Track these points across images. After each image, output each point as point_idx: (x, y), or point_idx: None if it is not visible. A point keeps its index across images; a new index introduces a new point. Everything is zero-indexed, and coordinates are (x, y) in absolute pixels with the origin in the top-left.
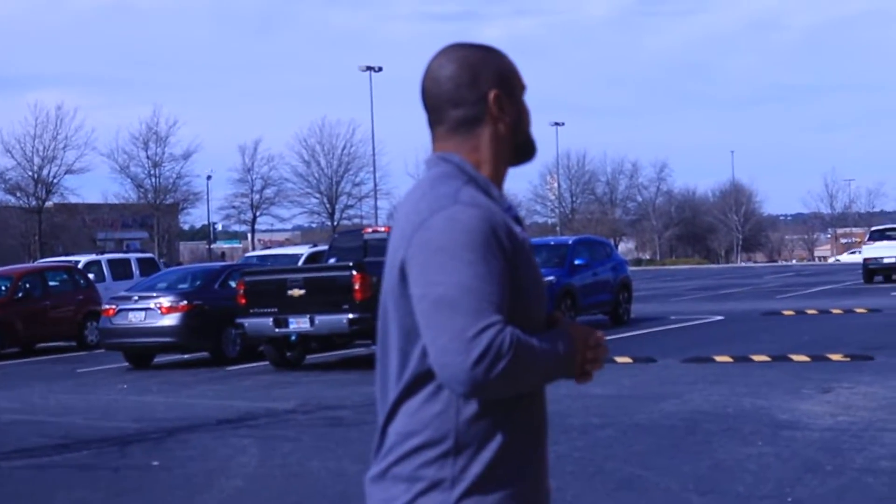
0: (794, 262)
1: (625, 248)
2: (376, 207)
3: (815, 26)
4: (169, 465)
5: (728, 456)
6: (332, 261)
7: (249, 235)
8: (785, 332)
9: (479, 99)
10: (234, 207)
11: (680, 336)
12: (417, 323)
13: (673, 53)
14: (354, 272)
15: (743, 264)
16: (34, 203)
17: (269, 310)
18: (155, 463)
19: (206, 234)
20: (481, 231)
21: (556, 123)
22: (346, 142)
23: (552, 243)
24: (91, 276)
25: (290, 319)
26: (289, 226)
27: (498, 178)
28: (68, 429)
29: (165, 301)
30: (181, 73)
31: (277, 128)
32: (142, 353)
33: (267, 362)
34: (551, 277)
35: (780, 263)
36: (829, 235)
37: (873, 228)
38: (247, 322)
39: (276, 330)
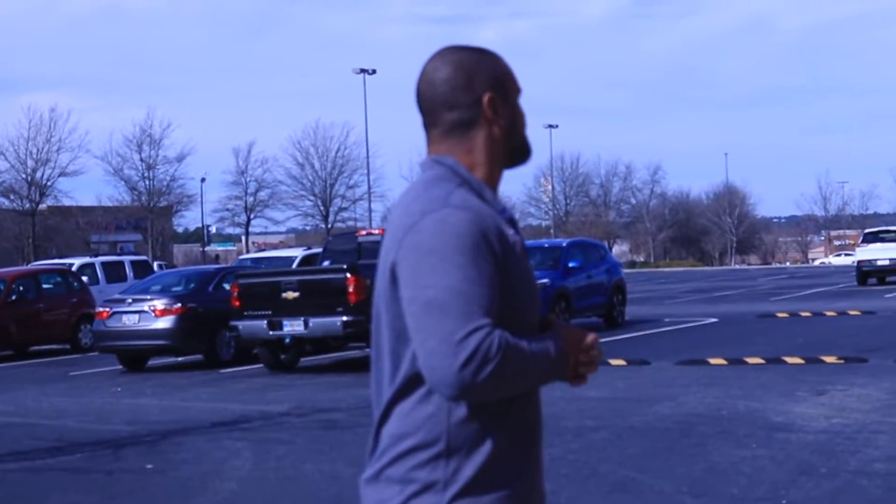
0: (787, 264)
1: (619, 250)
2: (370, 210)
3: (809, 29)
4: (163, 468)
5: (722, 458)
6: (326, 263)
7: (243, 238)
8: (779, 334)
9: (473, 102)
10: (228, 210)
11: (674, 338)
12: (408, 326)
13: (667, 56)
14: (349, 275)
15: (737, 266)
16: (28, 206)
17: (263, 312)
18: (149, 466)
19: (199, 236)
20: (471, 234)
21: (550, 126)
22: (340, 144)
23: (546, 246)
24: (85, 278)
25: (285, 322)
26: (283, 228)
27: (492, 181)
28: (62, 432)
29: (159, 304)
30: (175, 75)
31: (271, 130)
32: (136, 355)
33: (261, 365)
34: (545, 280)
35: (774, 266)
36: (822, 238)
37: (867, 231)
38: (241, 325)
39: (271, 332)
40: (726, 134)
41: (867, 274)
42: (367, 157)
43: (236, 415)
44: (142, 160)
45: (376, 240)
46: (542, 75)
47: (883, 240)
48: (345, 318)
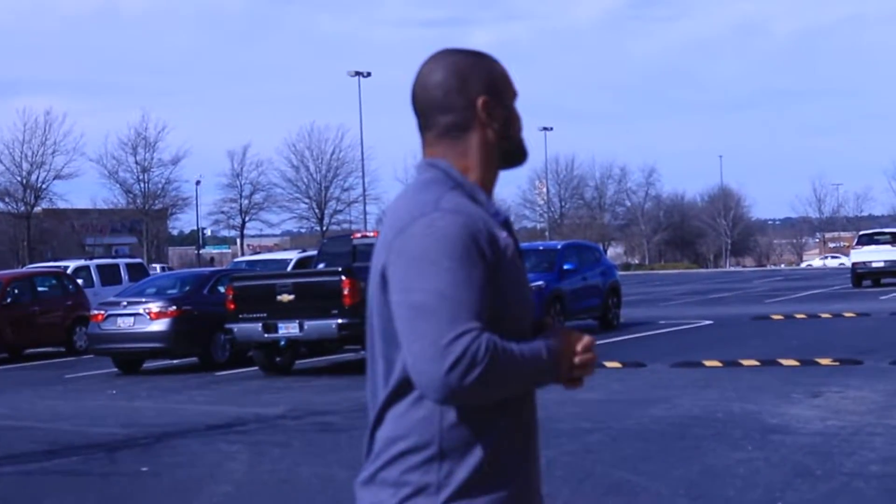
0: (782, 266)
1: (614, 252)
2: (365, 212)
3: (802, 31)
4: (158, 470)
5: (718, 461)
6: (321, 266)
7: (238, 241)
8: (774, 336)
9: (467, 105)
10: (223, 213)
11: (669, 341)
12: (397, 329)
13: (661, 59)
14: (343, 277)
15: (731, 269)
16: (23, 208)
17: (258, 315)
18: (144, 469)
19: (194, 239)
20: (460, 238)
21: (545, 128)
22: (334, 147)
23: (541, 248)
24: (80, 281)
25: (280, 325)
26: (278, 231)
27: (487, 184)
28: (57, 434)
29: (154, 306)
30: (170, 78)
31: (266, 133)
32: (131, 358)
33: (256, 367)
34: (541, 282)
35: (768, 268)
36: (817, 240)
37: (861, 233)
38: (236, 327)
39: (266, 335)
40: (721, 136)
41: (862, 276)
42: (362, 159)
43: (231, 417)
44: (137, 163)
45: (371, 242)
46: (537, 78)
47: (878, 242)
48: (340, 321)
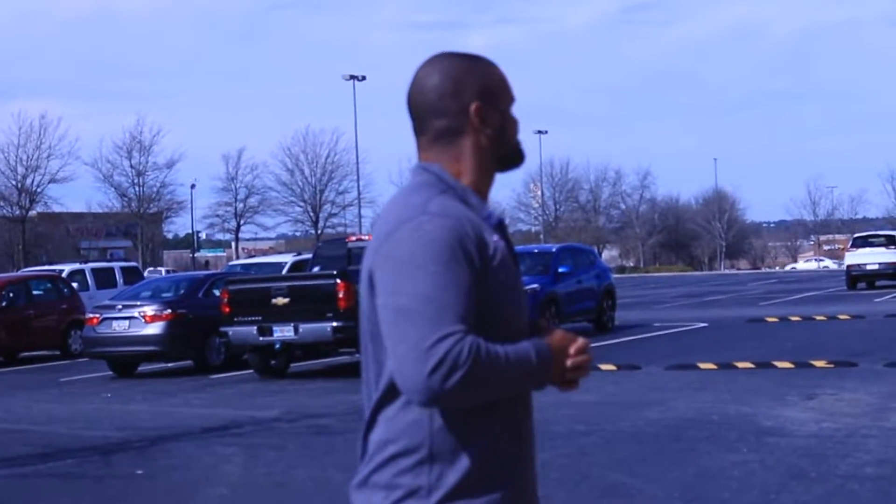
0: (777, 268)
1: (608, 255)
2: (360, 216)
3: (798, 34)
4: (153, 473)
5: (713, 463)
6: (316, 269)
7: (233, 244)
8: (769, 338)
9: (460, 111)
10: (217, 216)
11: (664, 343)
12: (382, 332)
13: (655, 61)
14: (338, 281)
15: (726, 271)
16: (18, 212)
17: (253, 318)
18: (139, 472)
19: (189, 242)
20: (447, 241)
21: (540, 131)
22: (329, 150)
23: (536, 251)
24: (75, 284)
25: (275, 328)
26: (273, 234)
27: (481, 188)
28: (52, 438)
29: (149, 310)
30: (165, 81)
31: (261, 136)
32: (126, 361)
33: (251, 371)
34: (535, 285)
35: (763, 270)
36: (812, 242)
37: (856, 235)
38: (231, 330)
39: (261, 338)
40: (715, 139)
41: (857, 278)
42: (357, 162)
43: (226, 420)
44: (132, 166)
45: (366, 245)
46: (532, 81)
47: (872, 244)
48: (335, 324)
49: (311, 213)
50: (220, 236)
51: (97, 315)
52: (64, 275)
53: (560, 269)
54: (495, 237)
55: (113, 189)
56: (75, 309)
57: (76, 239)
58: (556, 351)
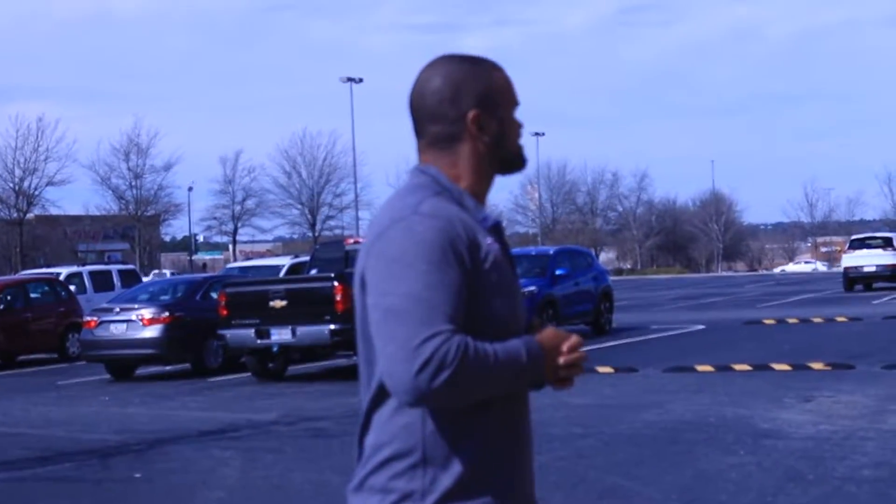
0: (763, 271)
1: (606, 257)
2: (357, 218)
3: (795, 35)
4: (151, 477)
5: (710, 465)
6: (313, 272)
7: (231, 247)
8: (766, 341)
9: (458, 117)
10: (215, 219)
11: (661, 345)
12: (371, 332)
13: (653, 63)
14: (336, 283)
15: (724, 273)
16: (15, 215)
17: (250, 321)
18: (137, 475)
19: (187, 245)
20: (436, 242)
21: (537, 133)
22: (327, 153)
23: (533, 253)
24: (73, 287)
25: (272, 331)
26: (270, 237)
27: (478, 191)
28: (49, 441)
29: (147, 313)
30: (162, 84)
31: (258, 139)
32: (123, 364)
33: (249, 373)
34: (533, 288)
35: (761, 272)
36: (809, 244)
37: (853, 237)
38: (228, 333)
39: (258, 341)
40: (713, 141)
41: (854, 280)
42: (354, 165)
43: (224, 423)
44: (129, 169)
45: None
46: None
47: (869, 246)
48: (332, 327)
49: (309, 216)
50: (217, 239)
51: (95, 318)
52: (61, 278)
53: (557, 272)
54: (489, 240)
55: (110, 192)
56: (73, 312)
57: (74, 242)
58: (547, 349)
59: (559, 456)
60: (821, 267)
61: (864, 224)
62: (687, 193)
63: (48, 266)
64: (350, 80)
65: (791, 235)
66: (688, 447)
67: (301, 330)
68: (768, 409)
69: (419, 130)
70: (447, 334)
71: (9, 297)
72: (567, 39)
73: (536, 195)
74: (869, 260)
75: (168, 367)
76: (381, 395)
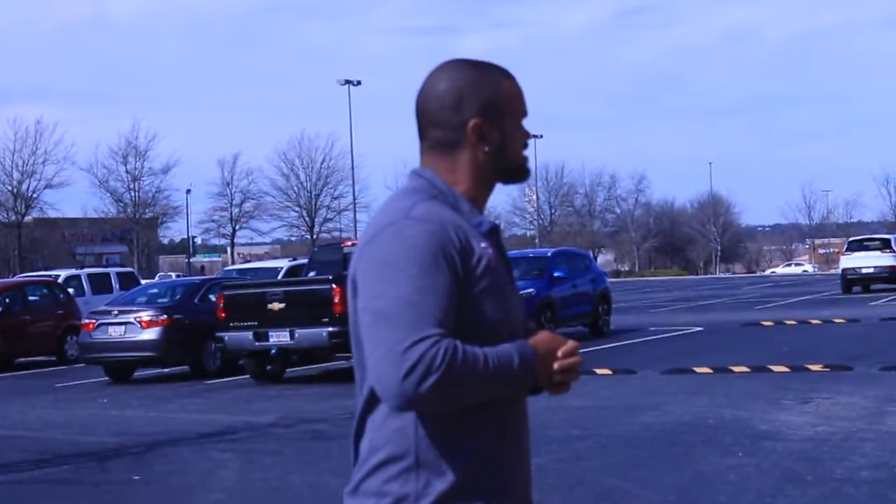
0: (765, 272)
1: (604, 259)
2: (355, 220)
3: (793, 38)
4: (149, 479)
5: (709, 467)
6: (311, 274)
7: (229, 249)
8: (764, 342)
9: (459, 125)
10: (213, 221)
11: (659, 347)
12: (361, 336)
13: (650, 65)
14: (334, 285)
15: (722, 275)
16: (13, 218)
17: (249, 323)
18: (135, 477)
19: (185, 247)
20: (427, 246)
21: (535, 136)
22: (325, 155)
23: (531, 255)
24: (71, 290)
25: (271, 333)
26: (268, 239)
27: (476, 198)
28: (48, 444)
29: (145, 315)
30: (160, 86)
31: (256, 141)
32: (122, 367)
33: (247, 376)
34: (531, 290)
35: (758, 274)
36: (807, 246)
37: (851, 239)
38: (227, 336)
39: (257, 343)
40: (711, 143)
41: (852, 282)
42: (352, 167)
43: (223, 426)
44: (127, 172)
45: None
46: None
47: (867, 248)
48: (330, 329)
49: (307, 218)
50: (215, 241)
51: (93, 320)
52: (60, 280)
53: (555, 274)
54: (483, 244)
55: (109, 194)
56: (71, 314)
57: (72, 244)
58: (542, 354)
59: (557, 458)
60: (810, 269)
61: (862, 226)
62: (685, 195)
63: (46, 269)
64: (348, 82)
65: (789, 237)
66: (686, 449)
67: (299, 332)
68: (767, 410)
69: (422, 133)
70: (435, 338)
71: (7, 300)
72: (565, 42)
73: (534, 197)
74: (867, 262)
75: (166, 370)
76: (373, 399)
